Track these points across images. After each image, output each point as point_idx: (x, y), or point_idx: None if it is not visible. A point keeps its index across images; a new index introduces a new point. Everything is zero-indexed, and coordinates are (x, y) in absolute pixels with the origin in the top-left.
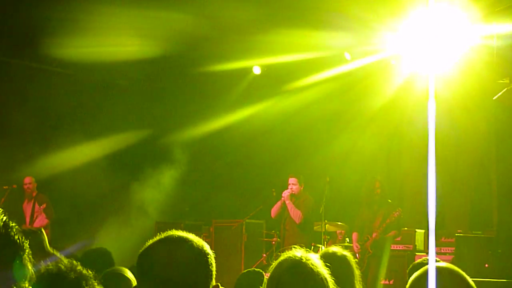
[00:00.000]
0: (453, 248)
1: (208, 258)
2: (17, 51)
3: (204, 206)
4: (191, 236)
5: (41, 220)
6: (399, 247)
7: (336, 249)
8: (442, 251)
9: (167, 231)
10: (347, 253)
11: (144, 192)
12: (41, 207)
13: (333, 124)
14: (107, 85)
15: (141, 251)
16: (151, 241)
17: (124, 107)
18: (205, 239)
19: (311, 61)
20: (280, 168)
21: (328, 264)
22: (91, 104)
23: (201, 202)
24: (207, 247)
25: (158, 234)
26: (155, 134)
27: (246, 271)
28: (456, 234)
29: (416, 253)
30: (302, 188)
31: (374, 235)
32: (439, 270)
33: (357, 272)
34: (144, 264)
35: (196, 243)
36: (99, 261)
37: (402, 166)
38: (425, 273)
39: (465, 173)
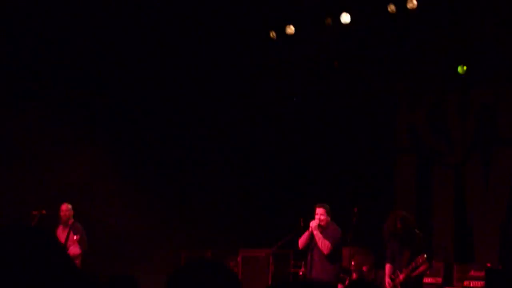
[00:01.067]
0: (483, 282)
1: (240, 286)
2: None
3: (231, 234)
4: (221, 263)
5: (74, 250)
6: (428, 280)
7: (364, 279)
8: (472, 285)
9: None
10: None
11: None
12: (76, 237)
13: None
14: None
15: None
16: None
17: None
18: (232, 268)
19: None
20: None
21: None
22: None
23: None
24: (236, 275)
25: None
26: None
27: None
28: (487, 268)
29: (445, 287)
30: (329, 218)
31: (402, 276)
32: None
33: None
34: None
35: (230, 269)
36: None
37: (433, 197)
38: None
39: (496, 204)
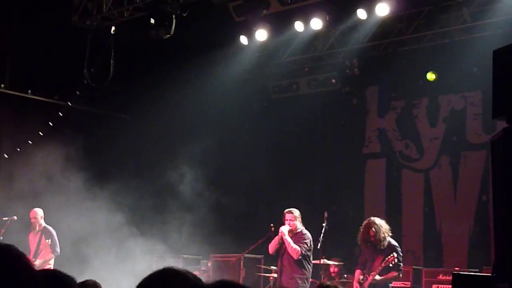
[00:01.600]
0: (451, 287)
1: None
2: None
3: (202, 239)
4: (185, 270)
5: (45, 254)
6: (397, 284)
7: (330, 283)
8: None
9: (166, 263)
10: None
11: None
12: (47, 241)
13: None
14: None
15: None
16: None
17: None
18: (202, 273)
19: None
20: (277, 201)
21: None
22: None
23: (199, 236)
24: (201, 282)
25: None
26: None
27: None
28: (454, 272)
29: None
30: (299, 223)
31: (370, 277)
32: None
33: None
34: None
35: (191, 277)
36: None
37: (403, 202)
38: None
39: (465, 209)
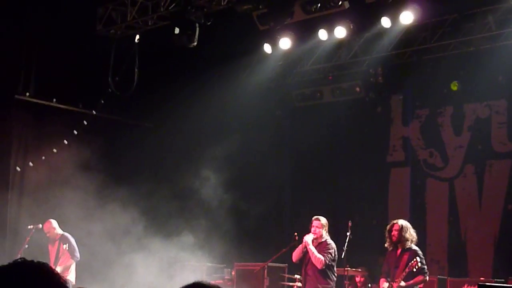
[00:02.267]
0: None
1: None
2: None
3: (226, 247)
4: (214, 285)
5: (64, 260)
6: None
7: None
8: None
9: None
10: None
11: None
12: (64, 247)
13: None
14: None
15: None
16: None
17: None
18: (226, 282)
19: None
20: (301, 209)
21: None
22: None
23: (222, 243)
24: None
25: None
26: None
27: None
28: (479, 283)
29: None
30: (325, 232)
31: (395, 285)
32: None
33: None
34: None
35: None
36: None
37: (428, 211)
38: None
39: (490, 218)
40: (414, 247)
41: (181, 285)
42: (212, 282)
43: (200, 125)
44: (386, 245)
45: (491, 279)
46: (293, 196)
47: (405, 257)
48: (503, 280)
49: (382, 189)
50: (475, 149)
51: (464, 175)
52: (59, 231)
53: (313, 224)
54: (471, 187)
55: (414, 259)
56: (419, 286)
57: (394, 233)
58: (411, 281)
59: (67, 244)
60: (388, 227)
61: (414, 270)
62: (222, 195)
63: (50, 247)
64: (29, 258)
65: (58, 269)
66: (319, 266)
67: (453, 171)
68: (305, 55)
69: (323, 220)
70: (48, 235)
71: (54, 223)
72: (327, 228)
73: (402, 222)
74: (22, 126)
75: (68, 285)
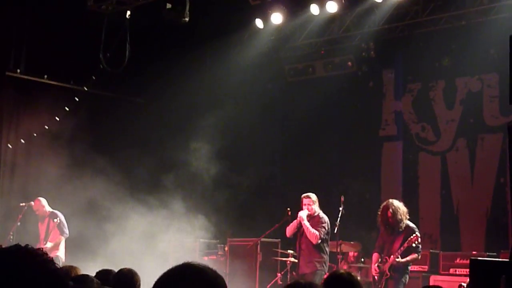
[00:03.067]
0: (468, 270)
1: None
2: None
3: (220, 224)
4: (203, 266)
5: (54, 237)
6: (414, 268)
7: (344, 271)
8: (458, 272)
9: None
10: (355, 276)
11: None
12: (55, 221)
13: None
14: None
15: (156, 280)
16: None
17: None
18: (220, 257)
19: None
20: (293, 183)
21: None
22: None
23: (216, 220)
24: (220, 279)
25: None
26: None
27: None
28: (471, 258)
29: (432, 275)
30: (317, 207)
31: (391, 259)
32: None
33: None
34: None
35: (210, 273)
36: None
37: (420, 185)
38: None
39: (482, 191)
40: (411, 224)
41: (172, 264)
42: (205, 258)
43: (192, 100)
44: (381, 229)
45: (483, 253)
46: (284, 171)
47: (403, 233)
48: (495, 253)
49: (375, 164)
50: (467, 122)
51: (456, 149)
52: (48, 208)
53: (304, 202)
54: (463, 160)
55: (414, 234)
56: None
57: (390, 220)
58: (407, 258)
59: (57, 219)
60: (381, 214)
61: (414, 245)
62: (216, 171)
63: (40, 224)
64: (21, 236)
65: (48, 245)
66: (314, 241)
67: (445, 145)
68: (297, 29)
69: (313, 196)
70: (37, 213)
71: (43, 201)
72: (317, 203)
73: (392, 205)
74: (13, 103)
75: (56, 266)
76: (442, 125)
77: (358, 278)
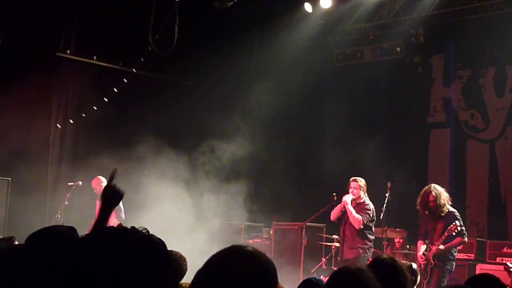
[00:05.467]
0: None
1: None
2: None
3: (266, 207)
4: (252, 250)
5: (110, 219)
6: (460, 256)
7: (386, 256)
8: (505, 261)
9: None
10: (398, 261)
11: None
12: None
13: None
14: None
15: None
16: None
17: None
18: (264, 241)
19: None
20: (341, 169)
21: (377, 272)
22: None
23: (262, 204)
24: (268, 263)
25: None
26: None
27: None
28: None
29: (478, 263)
30: (363, 193)
31: (434, 247)
32: None
33: (408, 279)
34: (206, 276)
35: (258, 256)
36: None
37: (468, 172)
38: None
39: None
40: (451, 209)
41: (217, 245)
42: (250, 241)
43: (239, 83)
44: (421, 214)
45: None
46: (332, 156)
47: (443, 220)
48: None
49: (422, 150)
50: None
51: (505, 137)
52: None
53: (351, 185)
54: None
55: (454, 223)
56: (458, 247)
57: (431, 204)
58: (450, 243)
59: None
60: (421, 198)
61: (454, 234)
62: (262, 155)
63: (97, 202)
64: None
65: None
66: (357, 226)
67: (494, 132)
68: (345, 14)
69: (361, 181)
70: (95, 191)
71: (102, 179)
72: (365, 189)
73: (433, 190)
74: (62, 83)
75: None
76: (492, 113)
77: (402, 262)
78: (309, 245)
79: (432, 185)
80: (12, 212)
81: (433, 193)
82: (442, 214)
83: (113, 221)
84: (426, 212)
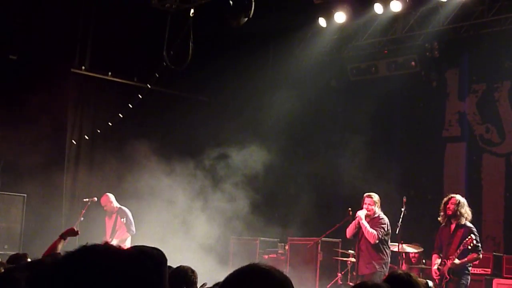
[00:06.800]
0: None
1: None
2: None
3: (280, 222)
4: (270, 268)
5: (121, 234)
6: (477, 270)
7: (402, 272)
8: None
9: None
10: (414, 276)
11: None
12: (122, 220)
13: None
14: None
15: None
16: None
17: None
18: (280, 256)
19: None
20: (355, 184)
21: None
22: None
23: (277, 219)
24: (287, 281)
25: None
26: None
27: None
28: None
29: (495, 278)
30: (377, 208)
31: (449, 262)
32: None
33: None
34: None
35: (277, 275)
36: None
37: (483, 187)
38: None
39: None
40: (469, 224)
41: (232, 261)
42: (266, 257)
43: (254, 97)
44: (439, 219)
45: None
46: (347, 171)
47: (459, 234)
48: None
49: (438, 164)
50: None
51: None
52: (116, 204)
53: (365, 202)
54: None
55: (469, 237)
56: (473, 263)
57: (450, 206)
58: (465, 259)
59: (124, 218)
60: (444, 199)
61: (469, 247)
62: (278, 170)
63: (107, 219)
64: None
65: (114, 242)
66: (372, 241)
67: (510, 146)
68: (360, 29)
69: (375, 196)
70: (105, 208)
71: (111, 196)
72: (379, 204)
73: (460, 197)
74: (78, 99)
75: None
76: (507, 127)
77: (418, 279)
78: (324, 261)
79: (455, 194)
80: (27, 228)
81: (457, 197)
82: (460, 224)
83: (125, 235)
84: (444, 222)
